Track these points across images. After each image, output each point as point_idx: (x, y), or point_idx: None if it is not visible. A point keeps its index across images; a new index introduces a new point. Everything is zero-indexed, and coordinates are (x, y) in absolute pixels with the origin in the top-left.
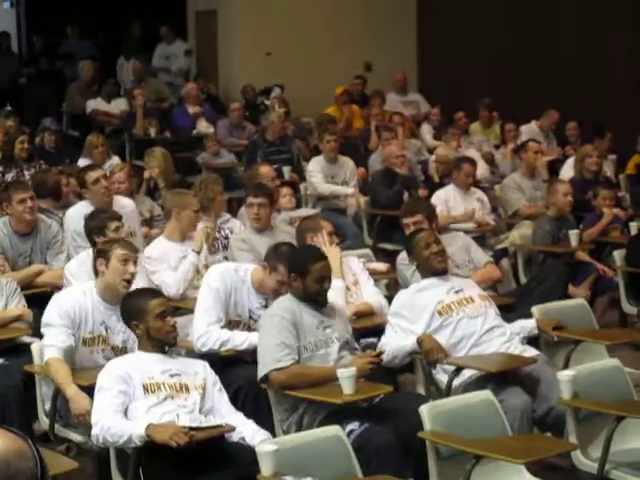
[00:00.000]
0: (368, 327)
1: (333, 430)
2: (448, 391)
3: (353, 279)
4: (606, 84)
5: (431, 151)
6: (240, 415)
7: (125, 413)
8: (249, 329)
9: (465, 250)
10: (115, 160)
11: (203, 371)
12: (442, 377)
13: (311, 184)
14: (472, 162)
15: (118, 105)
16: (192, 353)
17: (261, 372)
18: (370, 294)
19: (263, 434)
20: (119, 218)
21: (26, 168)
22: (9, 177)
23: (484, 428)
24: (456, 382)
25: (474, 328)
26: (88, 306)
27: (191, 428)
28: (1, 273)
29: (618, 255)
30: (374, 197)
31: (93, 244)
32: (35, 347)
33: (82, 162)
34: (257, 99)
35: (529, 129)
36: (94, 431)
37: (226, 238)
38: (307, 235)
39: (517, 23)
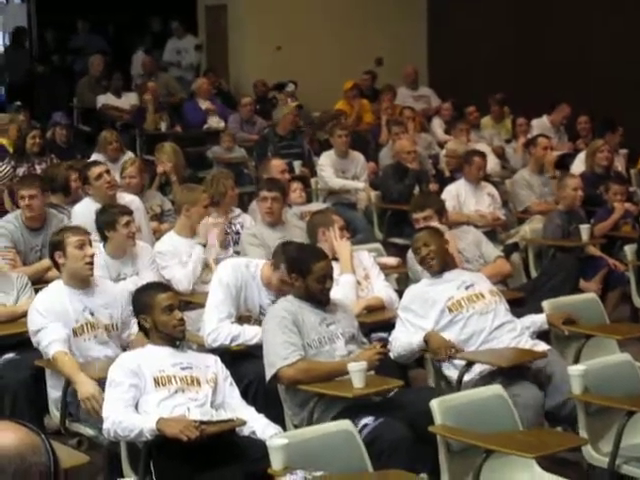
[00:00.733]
0: (379, 321)
1: (344, 424)
2: (459, 386)
3: (364, 273)
4: (618, 79)
5: (442, 145)
6: (251, 409)
7: (136, 406)
8: (259, 325)
9: (476, 245)
10: (129, 156)
11: (214, 365)
12: (452, 373)
13: (322, 178)
14: (483, 155)
15: (128, 100)
16: (203, 348)
17: (269, 373)
18: (381, 288)
19: (274, 428)
20: (130, 213)
21: (37, 162)
22: (20, 171)
23: (495, 423)
24: (466, 378)
25: (484, 325)
26: (65, 299)
27: (202, 422)
28: (12, 267)
29: (629, 250)
30: (385, 191)
31: (104, 239)
32: None
33: (95, 158)
34: (269, 94)
35: (540, 123)
36: (105, 425)
37: (237, 233)
38: (319, 230)
39: (529, 17)
